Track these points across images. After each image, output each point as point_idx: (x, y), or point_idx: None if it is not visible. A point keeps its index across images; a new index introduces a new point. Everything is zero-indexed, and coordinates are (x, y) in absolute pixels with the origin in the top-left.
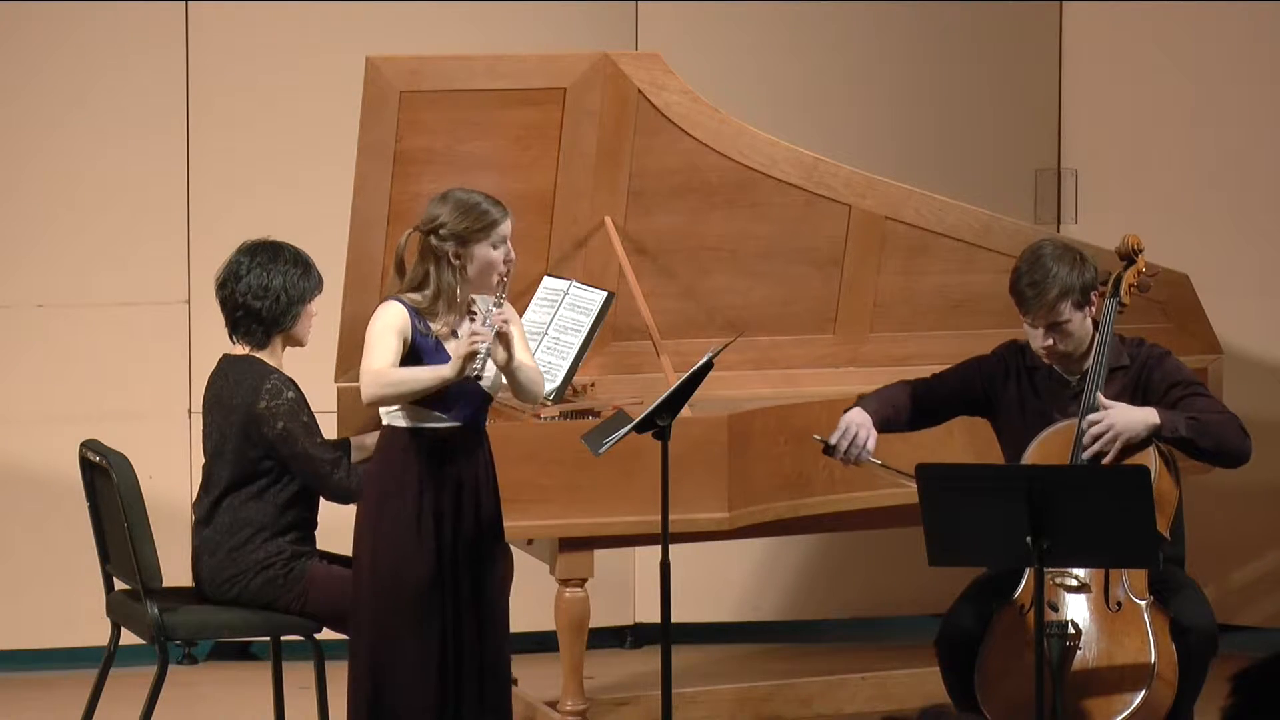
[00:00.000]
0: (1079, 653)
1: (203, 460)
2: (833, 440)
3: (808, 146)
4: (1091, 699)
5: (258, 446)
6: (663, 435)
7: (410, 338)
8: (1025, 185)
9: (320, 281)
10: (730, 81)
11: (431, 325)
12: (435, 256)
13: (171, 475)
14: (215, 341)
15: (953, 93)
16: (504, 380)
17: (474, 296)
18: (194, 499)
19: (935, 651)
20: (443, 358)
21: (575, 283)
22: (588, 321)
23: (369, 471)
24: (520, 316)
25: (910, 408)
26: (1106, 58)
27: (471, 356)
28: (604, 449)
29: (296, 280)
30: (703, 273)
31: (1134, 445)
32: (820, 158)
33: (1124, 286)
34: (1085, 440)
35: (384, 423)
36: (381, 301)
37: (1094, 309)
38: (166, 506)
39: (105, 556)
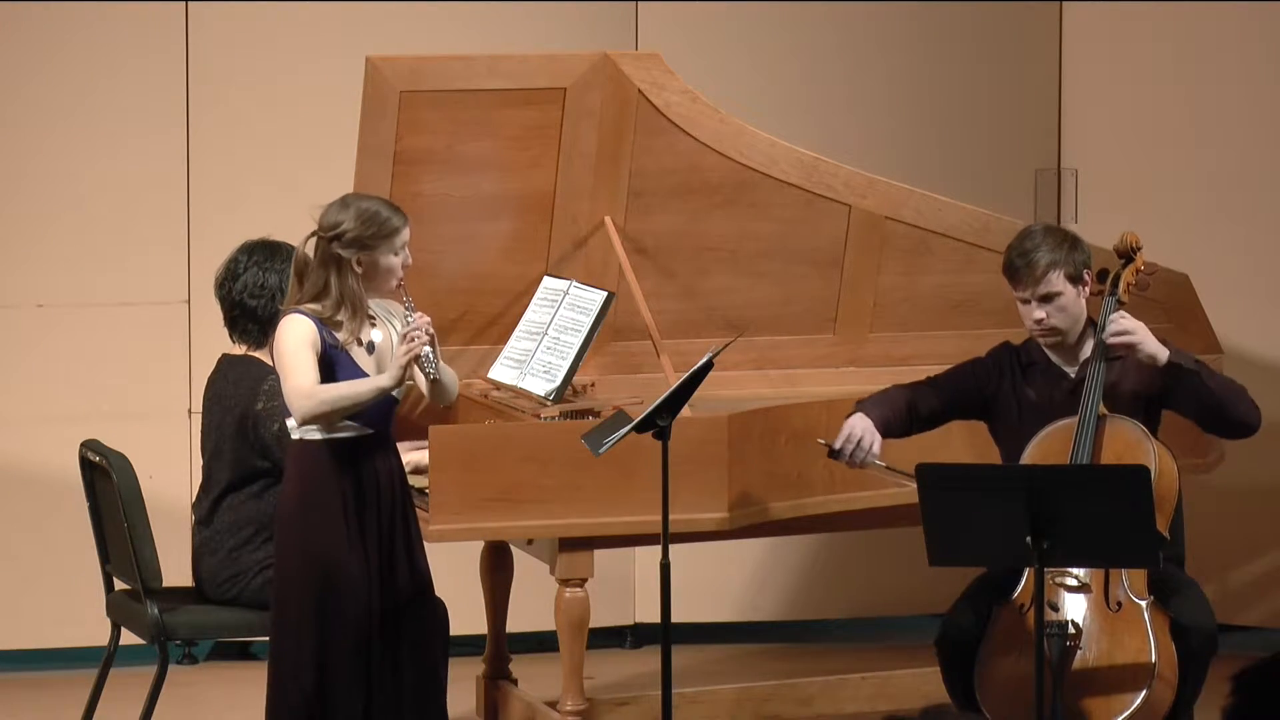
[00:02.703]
0: (1079, 652)
1: (202, 460)
2: (836, 445)
3: (808, 146)
4: (1091, 699)
5: (254, 446)
6: (663, 435)
7: (320, 349)
8: (1025, 185)
9: None
10: (730, 81)
11: (337, 335)
12: (336, 263)
13: (171, 475)
14: (215, 341)
15: (953, 93)
16: (420, 384)
17: (374, 305)
18: (194, 499)
19: (935, 651)
20: (352, 366)
21: (575, 283)
22: (588, 321)
23: (286, 488)
24: (521, 316)
25: (907, 416)
26: (1106, 58)
27: (415, 360)
28: (604, 449)
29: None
30: (703, 273)
31: (1145, 372)
32: (820, 158)
33: (1123, 284)
34: (1109, 331)
35: (293, 437)
36: (283, 315)
37: (1087, 288)
38: (166, 506)
39: (105, 556)
